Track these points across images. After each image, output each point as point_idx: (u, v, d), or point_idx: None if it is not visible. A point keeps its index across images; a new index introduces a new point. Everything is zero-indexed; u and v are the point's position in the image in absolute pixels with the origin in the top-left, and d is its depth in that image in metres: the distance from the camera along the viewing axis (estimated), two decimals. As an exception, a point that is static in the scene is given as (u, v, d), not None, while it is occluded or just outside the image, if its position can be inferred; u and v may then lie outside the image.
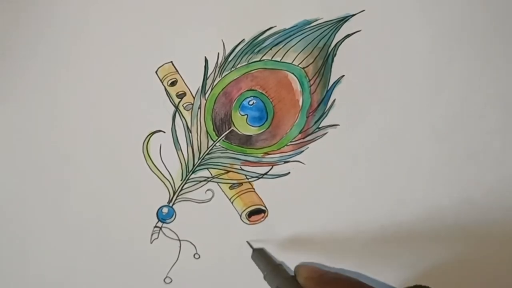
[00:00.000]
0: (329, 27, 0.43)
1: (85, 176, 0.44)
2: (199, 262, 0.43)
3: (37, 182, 0.44)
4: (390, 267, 0.42)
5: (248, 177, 0.43)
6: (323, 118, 0.43)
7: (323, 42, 0.43)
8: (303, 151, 0.43)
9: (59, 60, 0.44)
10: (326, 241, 0.42)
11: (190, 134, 0.43)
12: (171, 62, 0.44)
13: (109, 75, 0.44)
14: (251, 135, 0.43)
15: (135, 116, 0.44)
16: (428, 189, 0.42)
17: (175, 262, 0.43)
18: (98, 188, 0.44)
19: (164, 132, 0.43)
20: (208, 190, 0.43)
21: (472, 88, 0.42)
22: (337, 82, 0.43)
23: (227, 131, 0.43)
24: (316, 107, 0.43)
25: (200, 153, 0.43)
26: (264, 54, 0.43)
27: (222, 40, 0.43)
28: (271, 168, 0.43)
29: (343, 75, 0.43)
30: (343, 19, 0.43)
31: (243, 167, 0.43)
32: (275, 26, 0.43)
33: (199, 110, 0.44)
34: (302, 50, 0.43)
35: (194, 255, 0.43)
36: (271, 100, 0.43)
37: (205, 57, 0.44)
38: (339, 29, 0.43)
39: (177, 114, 0.43)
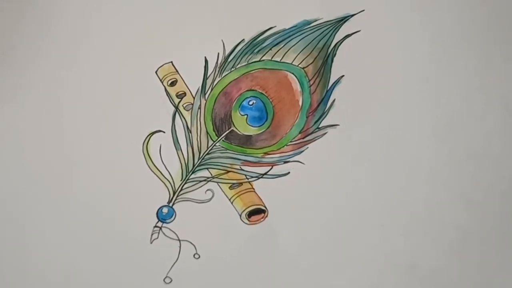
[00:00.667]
0: (329, 27, 0.43)
1: (86, 176, 0.44)
2: (199, 262, 0.43)
3: (37, 182, 0.44)
4: (390, 267, 0.42)
5: (248, 177, 0.43)
6: (323, 118, 0.43)
7: (323, 42, 0.43)
8: (303, 151, 0.43)
9: (60, 60, 0.45)
10: (326, 241, 0.42)
11: (190, 134, 0.43)
12: (171, 62, 0.44)
13: (109, 75, 0.44)
14: (251, 135, 0.43)
15: (135, 116, 0.44)
16: (428, 189, 0.42)
17: (175, 262, 0.43)
18: (98, 188, 0.44)
19: (164, 132, 0.44)
20: (208, 190, 0.43)
21: (472, 88, 0.42)
22: (336, 82, 0.43)
23: (227, 131, 0.43)
24: (315, 107, 0.43)
25: (200, 153, 0.43)
26: (264, 54, 0.43)
27: (222, 40, 0.44)
28: (271, 168, 0.43)
29: (343, 75, 0.43)
30: (343, 19, 0.43)
31: (243, 167, 0.43)
32: (275, 26, 0.43)
33: (199, 110, 0.44)
34: (302, 50, 0.43)
35: (194, 255, 0.43)
36: (271, 100, 0.43)
37: (205, 57, 0.44)
38: (338, 29, 0.43)
39: (177, 114, 0.44)
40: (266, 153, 0.43)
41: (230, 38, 0.43)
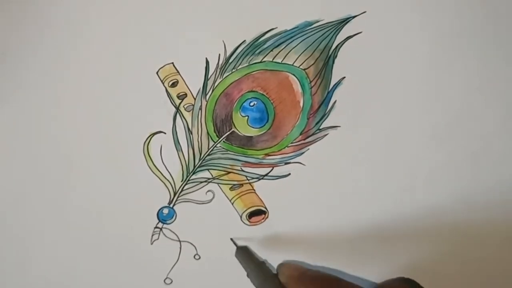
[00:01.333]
0: (330, 29, 0.43)
1: (86, 176, 0.44)
2: (199, 263, 0.43)
3: (38, 183, 0.44)
4: (390, 267, 0.42)
5: (248, 178, 0.43)
6: (324, 120, 0.43)
7: (324, 43, 0.43)
8: (303, 152, 0.43)
9: (60, 60, 0.45)
10: (326, 241, 0.42)
11: (190, 135, 0.43)
12: (172, 63, 0.44)
13: (110, 76, 0.44)
14: (251, 136, 0.43)
15: (136, 117, 0.44)
16: (428, 190, 0.42)
17: (176, 263, 0.43)
18: (98, 189, 0.44)
19: (165, 133, 0.43)
20: (208, 191, 0.43)
21: (472, 89, 0.42)
22: (338, 83, 0.43)
23: (228, 132, 0.43)
24: (317, 108, 0.43)
25: (200, 154, 0.43)
26: (265, 56, 0.43)
27: (223, 41, 0.43)
28: (271, 169, 0.43)
29: (344, 77, 0.43)
30: (344, 21, 0.43)
31: (244, 168, 0.43)
32: (276, 28, 0.43)
33: (200, 111, 0.44)
34: (303, 51, 0.43)
35: (194, 256, 0.43)
36: (272, 101, 0.43)
37: (206, 58, 0.44)
38: (340, 30, 0.43)
39: (178, 115, 0.43)
40: (267, 154, 0.43)
41: (231, 39, 0.43)
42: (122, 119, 0.44)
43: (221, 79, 0.43)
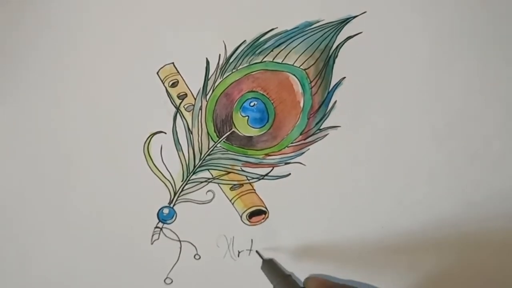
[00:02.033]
0: (331, 29, 0.43)
1: (86, 176, 0.44)
2: (199, 263, 0.43)
3: (38, 183, 0.44)
4: (389, 267, 0.42)
5: (248, 178, 0.43)
6: (324, 120, 0.43)
7: (324, 43, 0.43)
8: (304, 152, 0.43)
9: (61, 60, 0.44)
10: (326, 242, 0.42)
11: (191, 135, 0.43)
12: (173, 63, 0.44)
13: (110, 76, 0.44)
14: (252, 136, 0.43)
15: (136, 117, 0.44)
16: (428, 190, 0.42)
17: (176, 263, 0.43)
18: (99, 189, 0.44)
19: (165, 133, 0.43)
20: (208, 191, 0.43)
21: (472, 89, 0.42)
22: (338, 83, 0.43)
23: (228, 132, 0.43)
24: (317, 108, 0.43)
25: (201, 154, 0.43)
26: (266, 56, 0.43)
27: (223, 41, 0.43)
28: (272, 169, 0.43)
29: (344, 77, 0.43)
30: (345, 21, 0.43)
31: (244, 168, 0.43)
32: (277, 28, 0.43)
33: (200, 111, 0.43)
34: (303, 51, 0.43)
35: (194, 256, 0.43)
36: (272, 101, 0.43)
37: (206, 58, 0.43)
38: (340, 30, 0.43)
39: (178, 115, 0.43)
40: (267, 155, 0.43)
41: (232, 39, 0.43)
42: (122, 119, 0.44)
43: (221, 79, 0.43)
